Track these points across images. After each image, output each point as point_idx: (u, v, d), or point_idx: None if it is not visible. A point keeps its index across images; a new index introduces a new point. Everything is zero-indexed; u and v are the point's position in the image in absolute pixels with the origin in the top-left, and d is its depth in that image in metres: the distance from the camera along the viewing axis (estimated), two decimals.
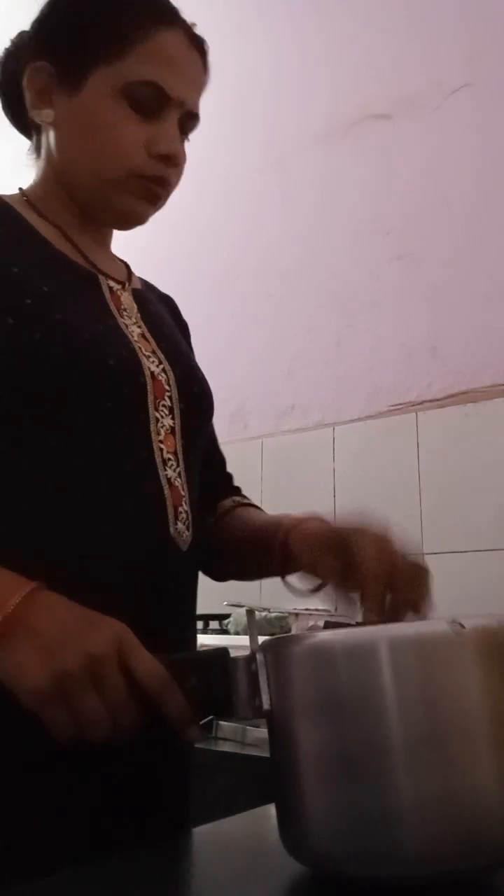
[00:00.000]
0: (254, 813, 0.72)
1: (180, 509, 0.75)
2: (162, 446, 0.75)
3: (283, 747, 0.53)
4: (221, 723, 1.24)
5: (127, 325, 0.78)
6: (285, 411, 2.03)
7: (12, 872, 0.61)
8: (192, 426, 0.80)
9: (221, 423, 2.36)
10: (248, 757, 1.15)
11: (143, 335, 0.79)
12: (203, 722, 1.35)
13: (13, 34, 0.82)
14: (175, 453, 0.77)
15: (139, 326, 0.80)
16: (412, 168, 1.91)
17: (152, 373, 0.76)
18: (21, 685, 0.55)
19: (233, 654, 0.57)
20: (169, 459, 0.75)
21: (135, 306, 0.82)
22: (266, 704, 0.53)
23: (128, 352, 0.74)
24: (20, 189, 0.81)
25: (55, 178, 0.79)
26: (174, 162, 0.77)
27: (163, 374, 0.77)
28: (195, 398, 0.82)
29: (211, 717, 1.25)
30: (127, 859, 0.59)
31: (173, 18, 0.77)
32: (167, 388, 0.77)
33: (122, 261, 0.89)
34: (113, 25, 0.75)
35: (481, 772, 0.48)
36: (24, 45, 0.80)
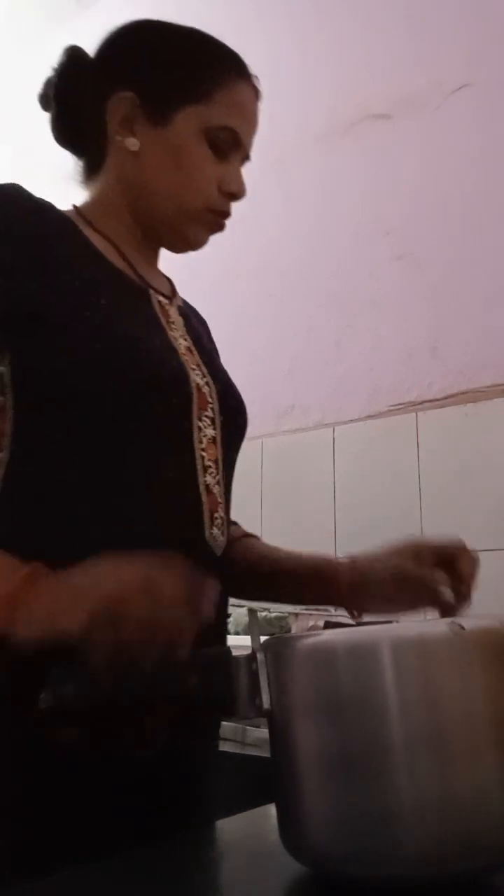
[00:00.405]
0: (254, 813, 0.72)
1: (216, 515, 0.79)
2: (203, 454, 0.79)
3: (284, 747, 0.53)
4: (221, 723, 1.24)
5: (175, 339, 0.83)
6: (285, 411, 2.03)
7: (13, 872, 0.61)
8: (230, 438, 0.85)
9: None
10: (248, 757, 1.15)
11: (188, 349, 0.84)
12: None
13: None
14: (216, 461, 0.81)
15: (185, 340, 0.85)
16: (412, 168, 1.91)
17: (197, 385, 0.80)
18: (70, 624, 0.56)
19: (234, 653, 0.57)
20: (209, 467, 0.80)
21: (181, 320, 0.87)
22: (266, 704, 0.53)
23: (178, 364, 0.79)
24: (74, 206, 0.85)
25: (123, 198, 0.84)
26: (237, 198, 0.86)
27: (206, 387, 0.82)
28: (233, 412, 0.87)
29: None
30: (127, 859, 0.59)
31: (246, 71, 0.85)
32: (210, 399, 0.82)
33: (167, 277, 0.93)
34: (202, 71, 0.82)
35: (481, 772, 0.48)
36: (85, 64, 0.85)
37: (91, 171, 0.86)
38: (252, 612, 0.61)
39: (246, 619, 1.52)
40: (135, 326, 0.77)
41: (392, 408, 1.83)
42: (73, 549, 0.66)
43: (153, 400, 0.75)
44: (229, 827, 0.69)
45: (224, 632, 0.86)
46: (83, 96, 0.83)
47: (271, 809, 0.56)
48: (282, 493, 1.95)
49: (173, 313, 0.86)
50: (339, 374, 1.94)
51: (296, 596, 0.97)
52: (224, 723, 1.29)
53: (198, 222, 0.85)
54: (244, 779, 1.11)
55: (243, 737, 1.21)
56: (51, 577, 0.61)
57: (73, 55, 0.85)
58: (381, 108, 1.99)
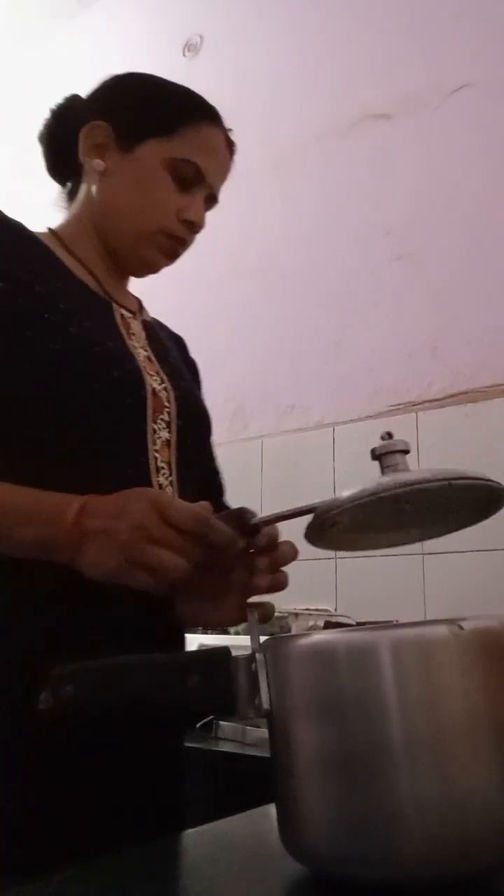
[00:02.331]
0: (254, 813, 0.72)
1: None
2: (157, 455, 0.84)
3: (283, 747, 0.53)
4: (221, 723, 1.24)
5: (134, 347, 0.87)
6: (285, 411, 2.03)
7: (10, 873, 0.61)
8: (188, 442, 0.89)
9: (221, 423, 2.36)
10: (248, 757, 1.15)
11: (148, 357, 0.89)
12: (203, 722, 1.35)
13: None
14: (168, 463, 0.85)
15: (145, 350, 0.90)
16: (412, 168, 1.91)
17: (153, 389, 0.85)
18: (101, 574, 0.65)
19: (233, 653, 0.57)
20: (162, 468, 0.84)
21: (143, 333, 0.92)
22: (266, 704, 0.53)
23: (132, 367, 0.84)
24: (49, 228, 0.91)
25: (91, 220, 0.90)
26: (195, 228, 0.91)
27: (164, 392, 0.86)
28: (194, 418, 0.91)
29: (211, 717, 1.25)
30: (127, 859, 0.59)
31: (217, 120, 0.92)
32: (167, 404, 0.86)
33: (135, 297, 0.99)
34: (171, 110, 0.90)
35: (481, 773, 0.48)
36: (77, 106, 0.93)
37: (70, 197, 0.94)
38: (251, 611, 0.61)
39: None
40: (92, 330, 0.81)
41: (392, 408, 1.83)
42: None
43: (107, 399, 0.79)
44: (229, 827, 0.69)
45: (184, 634, 0.89)
46: (68, 131, 0.91)
47: (271, 809, 0.56)
48: (282, 493, 1.95)
49: (136, 326, 0.91)
50: (339, 374, 1.94)
51: None
52: (224, 723, 1.29)
53: (151, 243, 0.90)
54: (244, 779, 1.11)
55: (243, 737, 1.21)
56: (94, 511, 0.67)
57: (71, 98, 0.93)
58: (381, 108, 1.99)
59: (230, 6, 2.37)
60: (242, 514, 0.68)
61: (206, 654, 0.58)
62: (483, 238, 1.76)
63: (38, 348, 0.76)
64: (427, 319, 1.81)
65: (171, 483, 0.85)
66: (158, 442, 0.84)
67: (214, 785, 1.13)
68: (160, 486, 0.83)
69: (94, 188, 0.90)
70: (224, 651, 0.57)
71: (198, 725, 1.26)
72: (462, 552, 1.61)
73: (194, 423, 0.91)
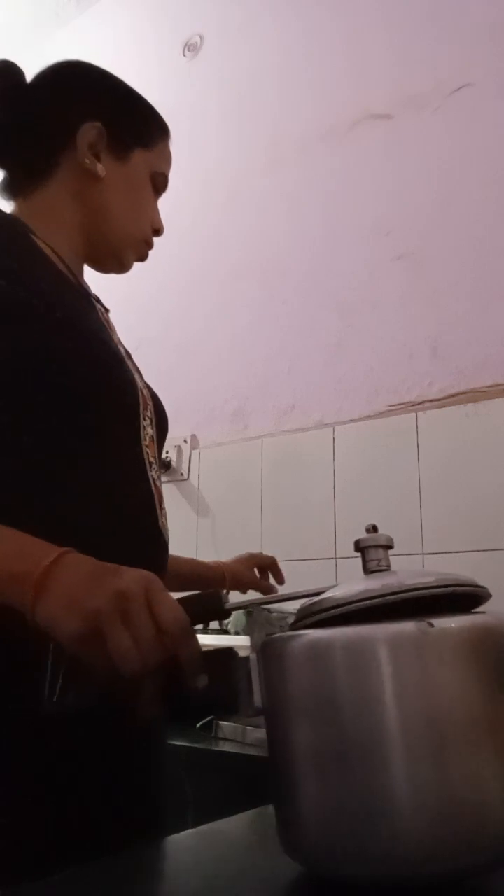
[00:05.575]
0: (254, 813, 0.72)
1: (162, 506, 0.87)
2: (147, 450, 0.86)
3: (279, 746, 0.53)
4: (221, 723, 1.24)
5: (117, 344, 0.90)
6: (285, 411, 2.03)
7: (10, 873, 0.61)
8: (160, 438, 0.93)
9: (222, 423, 2.35)
10: (248, 757, 1.15)
11: (126, 354, 0.92)
12: (203, 722, 1.34)
13: None
14: (155, 458, 0.88)
15: (121, 346, 0.92)
16: (413, 168, 1.91)
17: (140, 388, 0.88)
18: (60, 634, 0.56)
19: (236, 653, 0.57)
20: (152, 463, 0.86)
21: (115, 329, 0.95)
22: (258, 702, 0.53)
23: (127, 367, 0.86)
24: (12, 215, 0.88)
25: (75, 214, 0.90)
26: (159, 235, 0.99)
27: (145, 389, 0.91)
28: (162, 415, 0.96)
29: (211, 717, 1.25)
30: (127, 859, 0.59)
31: (169, 136, 0.99)
32: (148, 402, 0.90)
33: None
34: (152, 122, 0.96)
35: (480, 770, 0.48)
36: (48, 90, 0.91)
37: (27, 184, 0.90)
38: (250, 612, 0.61)
39: (246, 619, 1.52)
40: (99, 330, 0.84)
41: (392, 408, 1.82)
42: (45, 538, 0.64)
43: (111, 399, 0.81)
44: (229, 827, 0.69)
45: None
46: (36, 113, 0.90)
47: (271, 809, 0.56)
48: (282, 493, 1.95)
49: (110, 321, 0.94)
50: (339, 374, 1.94)
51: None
52: (224, 723, 1.29)
53: (134, 250, 0.96)
54: (244, 779, 1.11)
55: (243, 737, 1.21)
56: (74, 566, 0.59)
57: (14, 71, 0.91)
58: (382, 108, 1.99)
59: (230, 6, 2.37)
60: (216, 598, 0.62)
61: (209, 654, 0.58)
62: (484, 238, 1.76)
63: (53, 343, 0.74)
64: (427, 319, 1.81)
65: (158, 476, 0.87)
66: (147, 438, 0.87)
67: (214, 785, 1.13)
68: (153, 480, 0.85)
69: (86, 187, 0.90)
70: (228, 651, 0.57)
71: (198, 725, 1.26)
72: (462, 552, 1.61)
73: (163, 420, 0.95)
